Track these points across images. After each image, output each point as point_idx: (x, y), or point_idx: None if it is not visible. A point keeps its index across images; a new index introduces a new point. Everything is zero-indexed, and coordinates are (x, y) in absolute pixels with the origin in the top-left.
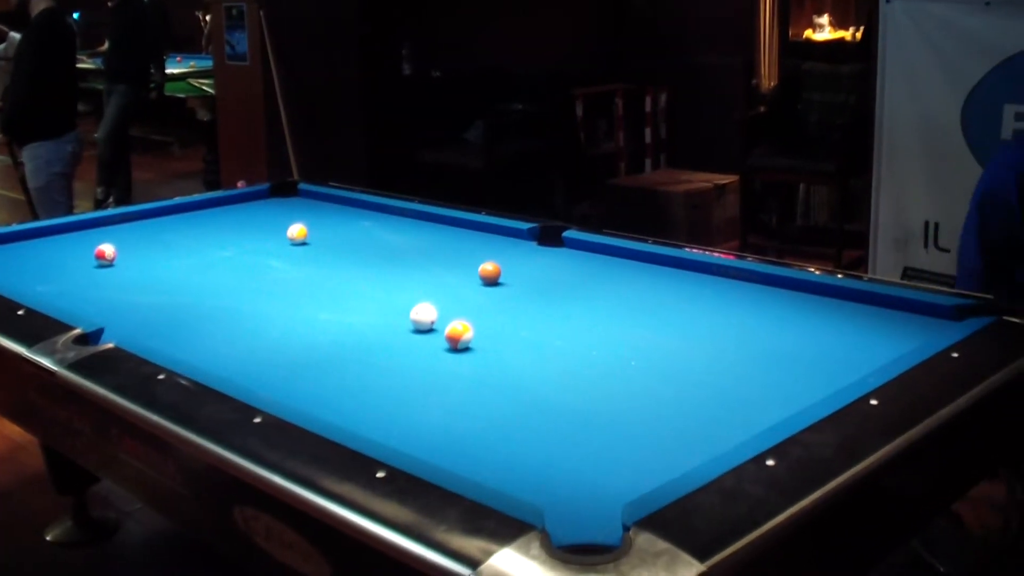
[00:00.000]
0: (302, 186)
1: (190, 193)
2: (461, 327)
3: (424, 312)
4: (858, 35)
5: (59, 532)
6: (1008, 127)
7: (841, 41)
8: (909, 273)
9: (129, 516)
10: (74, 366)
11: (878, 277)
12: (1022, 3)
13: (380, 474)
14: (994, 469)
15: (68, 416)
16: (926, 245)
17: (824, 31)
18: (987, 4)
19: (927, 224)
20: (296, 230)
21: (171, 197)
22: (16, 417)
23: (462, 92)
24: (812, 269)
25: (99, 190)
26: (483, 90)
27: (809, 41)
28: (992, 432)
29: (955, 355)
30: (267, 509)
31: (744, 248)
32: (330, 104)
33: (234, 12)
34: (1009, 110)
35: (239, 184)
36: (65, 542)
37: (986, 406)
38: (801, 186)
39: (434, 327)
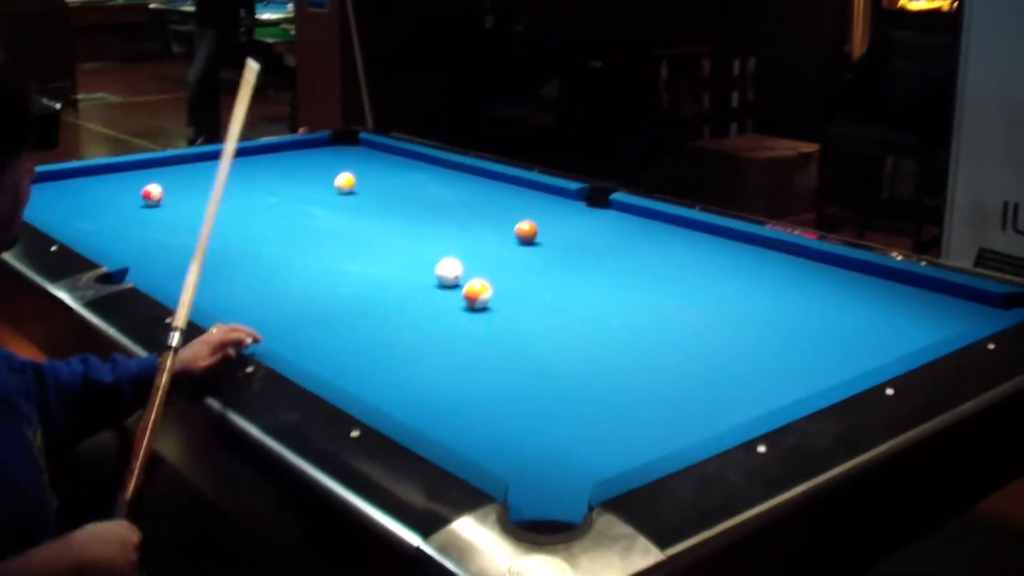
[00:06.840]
0: (363, 135)
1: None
2: (479, 286)
3: (448, 267)
4: (955, 5)
5: None
6: None
7: (937, 11)
8: (984, 255)
9: None
10: (90, 304)
11: (927, 257)
12: None
13: (354, 433)
14: (1018, 474)
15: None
16: (1004, 227)
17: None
18: None
19: (1006, 205)
20: (344, 179)
21: (254, 139)
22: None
23: (542, 48)
24: (841, 243)
25: (189, 130)
26: (562, 47)
27: (904, 9)
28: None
29: (991, 346)
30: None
31: (820, 220)
32: (409, 54)
33: None
34: None
35: (300, 130)
36: None
37: (1015, 404)
38: (889, 159)
39: (459, 283)
